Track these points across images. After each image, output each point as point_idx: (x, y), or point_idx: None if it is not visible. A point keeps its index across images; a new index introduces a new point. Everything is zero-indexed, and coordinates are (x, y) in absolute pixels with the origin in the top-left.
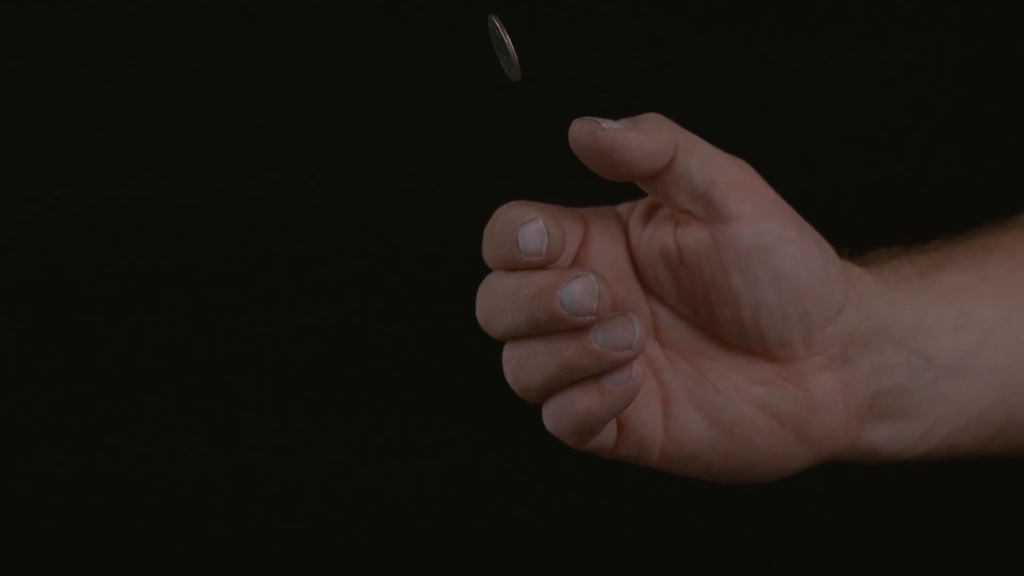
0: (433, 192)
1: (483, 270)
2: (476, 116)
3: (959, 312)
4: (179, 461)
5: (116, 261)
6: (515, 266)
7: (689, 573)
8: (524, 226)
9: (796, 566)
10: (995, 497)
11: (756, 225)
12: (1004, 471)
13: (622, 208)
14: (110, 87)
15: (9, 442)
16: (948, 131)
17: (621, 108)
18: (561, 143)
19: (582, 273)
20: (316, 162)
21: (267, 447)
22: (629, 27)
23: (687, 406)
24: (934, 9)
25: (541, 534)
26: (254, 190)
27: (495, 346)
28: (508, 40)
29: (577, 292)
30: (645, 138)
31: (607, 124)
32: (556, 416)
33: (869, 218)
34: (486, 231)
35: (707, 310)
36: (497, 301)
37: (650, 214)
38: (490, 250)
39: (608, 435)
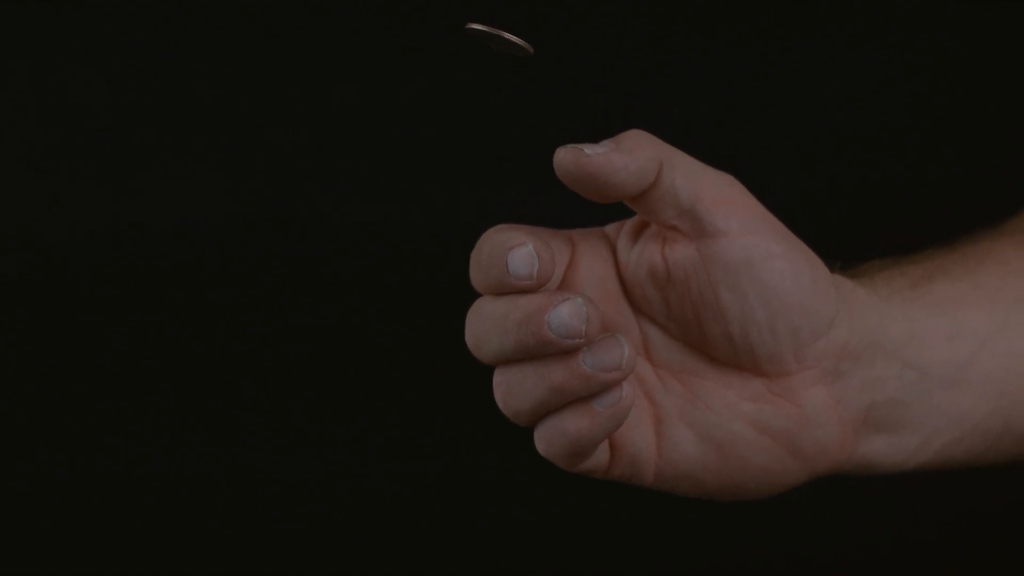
0: (433, 193)
1: None
2: (476, 116)
3: (951, 322)
4: (179, 461)
5: (116, 261)
6: (504, 290)
7: (688, 575)
8: (513, 250)
9: (794, 568)
10: (993, 500)
11: (743, 240)
12: (1002, 474)
13: (610, 228)
14: (110, 87)
15: (9, 442)
16: (948, 132)
17: (621, 108)
18: (561, 143)
19: (570, 296)
20: (316, 162)
21: (267, 447)
22: (629, 27)
23: (679, 425)
24: (934, 9)
25: (541, 534)
26: (254, 190)
27: None
28: (494, 30)
29: (565, 315)
30: (629, 158)
31: (590, 149)
32: (547, 439)
33: (869, 218)
34: (473, 255)
35: (696, 327)
36: (485, 326)
37: (638, 233)
38: (478, 274)
39: (601, 456)
